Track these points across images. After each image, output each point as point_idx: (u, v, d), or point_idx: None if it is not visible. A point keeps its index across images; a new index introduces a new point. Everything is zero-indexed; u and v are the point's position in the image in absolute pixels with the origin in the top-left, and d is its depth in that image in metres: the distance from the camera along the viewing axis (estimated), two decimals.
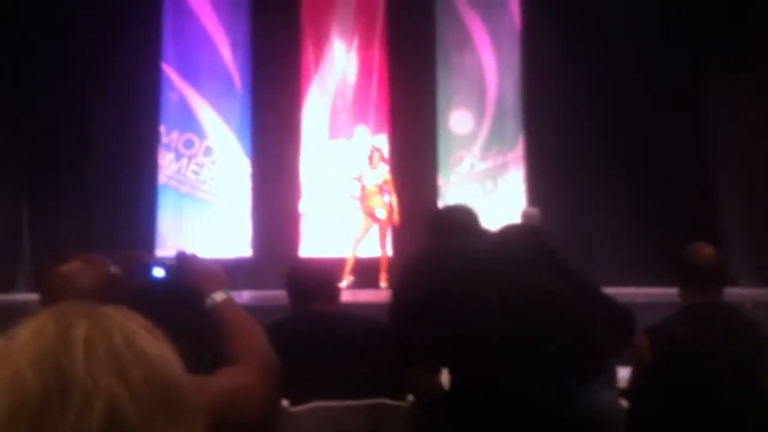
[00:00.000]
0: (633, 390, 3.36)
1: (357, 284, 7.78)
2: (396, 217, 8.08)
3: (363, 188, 8.02)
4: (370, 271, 7.89)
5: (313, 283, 3.45)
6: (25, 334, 0.70)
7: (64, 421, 0.64)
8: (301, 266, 3.73)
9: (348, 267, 7.84)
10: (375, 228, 8.01)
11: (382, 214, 8.11)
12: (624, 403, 3.14)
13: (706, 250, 3.41)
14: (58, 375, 0.66)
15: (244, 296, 7.23)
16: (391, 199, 8.08)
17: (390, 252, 8.08)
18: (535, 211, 7.38)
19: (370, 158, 8.04)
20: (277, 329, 3.46)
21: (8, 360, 0.68)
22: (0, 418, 0.65)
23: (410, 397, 3.26)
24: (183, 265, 2.15)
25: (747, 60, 8.48)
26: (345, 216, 8.42)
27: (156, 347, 0.73)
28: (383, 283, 8.02)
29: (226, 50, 8.53)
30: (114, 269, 2.45)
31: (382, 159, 8.07)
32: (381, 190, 8.08)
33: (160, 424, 0.68)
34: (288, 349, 3.36)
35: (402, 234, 8.02)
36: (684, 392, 3.19)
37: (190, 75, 8.48)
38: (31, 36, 7.93)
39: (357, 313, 3.57)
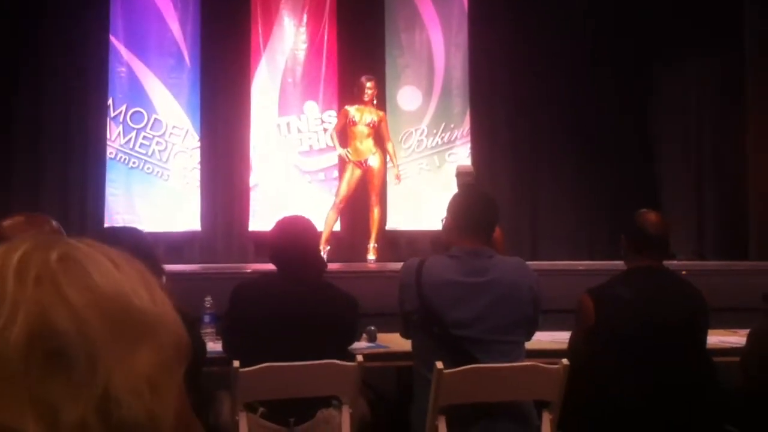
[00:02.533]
0: (574, 349, 3.49)
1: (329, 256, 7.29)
2: (397, 170, 7.74)
3: (351, 127, 7.53)
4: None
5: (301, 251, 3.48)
6: None
7: None
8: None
9: (325, 234, 7.22)
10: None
11: (375, 162, 7.56)
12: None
13: (651, 217, 3.56)
14: None
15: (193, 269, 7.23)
16: (388, 145, 7.69)
17: (338, 227, 8.07)
18: (470, 168, 7.45)
19: (362, 91, 7.59)
20: (243, 288, 3.54)
21: None
22: None
23: (359, 358, 3.35)
24: None
25: (693, 48, 8.74)
26: (294, 191, 8.46)
27: (97, 264, 0.71)
28: (372, 256, 7.60)
29: (175, 25, 8.47)
30: (56, 224, 2.49)
31: (375, 97, 7.56)
32: (374, 131, 7.56)
33: (98, 331, 0.66)
34: (248, 309, 3.46)
35: (353, 209, 8.06)
36: (625, 348, 3.32)
37: (139, 48, 8.41)
38: None
39: (329, 282, 3.63)
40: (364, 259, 7.69)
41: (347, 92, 8.38)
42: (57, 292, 0.67)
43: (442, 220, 3.51)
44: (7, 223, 2.25)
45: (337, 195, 7.69)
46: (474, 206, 3.31)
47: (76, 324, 0.66)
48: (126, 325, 0.68)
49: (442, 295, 3.14)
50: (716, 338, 4.03)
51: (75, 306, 0.67)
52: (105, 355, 0.66)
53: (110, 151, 8.23)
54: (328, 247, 7.44)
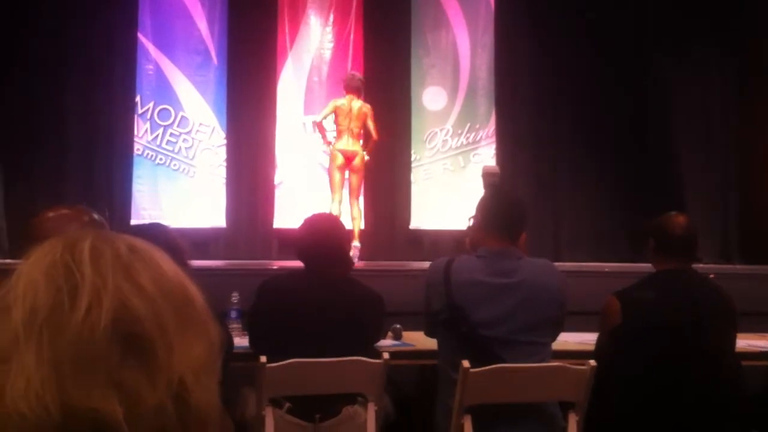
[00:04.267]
0: (600, 350, 3.48)
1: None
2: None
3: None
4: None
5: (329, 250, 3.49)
6: (36, 253, 0.73)
7: (75, 317, 0.66)
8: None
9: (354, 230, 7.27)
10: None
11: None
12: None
13: (679, 219, 3.52)
14: (68, 278, 0.69)
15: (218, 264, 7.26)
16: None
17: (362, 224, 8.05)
18: (496, 169, 7.45)
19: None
20: (270, 284, 3.57)
21: (22, 274, 0.71)
22: (17, 326, 0.67)
23: (385, 355, 3.36)
24: None
25: (713, 46, 8.71)
26: (319, 189, 8.47)
27: (162, 256, 0.75)
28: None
29: (202, 23, 8.53)
30: (98, 217, 2.50)
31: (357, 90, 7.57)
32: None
33: (170, 319, 0.70)
34: (275, 304, 3.48)
35: (376, 207, 8.06)
36: (651, 350, 3.31)
37: (167, 46, 8.48)
38: (7, 3, 7.88)
39: (356, 280, 3.65)
40: (390, 258, 7.67)
41: (372, 91, 8.40)
42: (133, 281, 0.70)
43: (469, 219, 3.51)
44: (51, 214, 2.27)
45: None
46: (503, 207, 3.31)
47: (152, 311, 0.69)
48: (188, 315, 0.72)
49: (471, 295, 3.14)
50: (744, 342, 4.01)
51: (150, 294, 0.70)
52: (177, 342, 0.69)
53: (137, 148, 8.30)
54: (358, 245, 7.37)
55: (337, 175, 7.47)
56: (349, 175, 7.52)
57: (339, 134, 7.51)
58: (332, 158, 7.52)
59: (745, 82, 8.61)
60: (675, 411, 3.26)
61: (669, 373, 3.29)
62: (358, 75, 7.79)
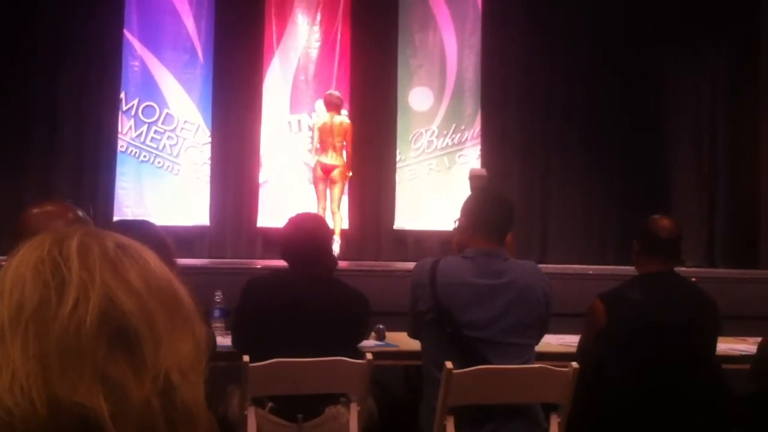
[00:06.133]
0: (583, 352, 3.49)
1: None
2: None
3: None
4: None
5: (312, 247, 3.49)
6: (24, 249, 0.72)
7: (61, 312, 0.66)
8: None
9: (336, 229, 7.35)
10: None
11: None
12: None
13: (664, 222, 3.54)
14: (56, 273, 0.68)
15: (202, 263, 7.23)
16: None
17: (346, 225, 8.07)
18: (483, 171, 7.48)
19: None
20: (256, 283, 3.56)
21: (9, 269, 0.71)
22: (3, 320, 0.67)
23: (368, 356, 3.35)
24: None
25: (705, 46, 8.73)
26: (303, 189, 8.47)
27: (149, 254, 0.74)
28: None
29: (189, 21, 8.51)
30: (82, 213, 2.49)
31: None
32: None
33: (158, 316, 0.69)
34: (260, 304, 3.47)
35: (361, 208, 8.06)
36: (634, 352, 3.32)
37: (152, 44, 8.45)
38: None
39: (340, 280, 3.64)
40: (373, 258, 7.69)
41: (359, 90, 8.41)
42: (121, 277, 0.70)
43: (455, 221, 3.50)
44: (36, 210, 2.26)
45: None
46: (488, 207, 3.30)
47: (139, 307, 0.69)
48: (175, 312, 0.72)
49: (457, 296, 3.13)
50: (725, 346, 4.02)
51: (137, 290, 0.70)
52: (163, 339, 0.69)
53: (121, 145, 8.27)
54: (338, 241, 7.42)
55: (319, 186, 7.68)
56: (330, 185, 7.59)
57: (323, 148, 7.64)
58: (314, 170, 7.73)
59: (743, 81, 8.62)
60: (662, 412, 3.27)
61: (655, 375, 3.30)
62: (336, 93, 7.97)
